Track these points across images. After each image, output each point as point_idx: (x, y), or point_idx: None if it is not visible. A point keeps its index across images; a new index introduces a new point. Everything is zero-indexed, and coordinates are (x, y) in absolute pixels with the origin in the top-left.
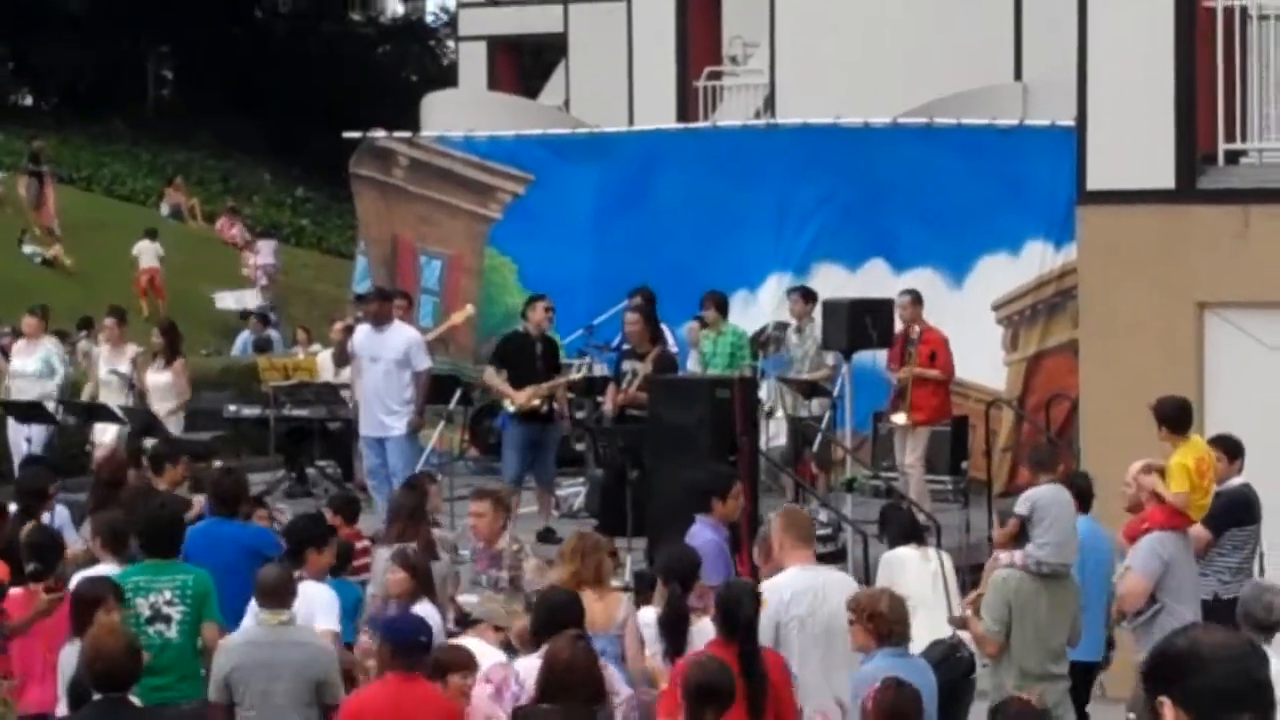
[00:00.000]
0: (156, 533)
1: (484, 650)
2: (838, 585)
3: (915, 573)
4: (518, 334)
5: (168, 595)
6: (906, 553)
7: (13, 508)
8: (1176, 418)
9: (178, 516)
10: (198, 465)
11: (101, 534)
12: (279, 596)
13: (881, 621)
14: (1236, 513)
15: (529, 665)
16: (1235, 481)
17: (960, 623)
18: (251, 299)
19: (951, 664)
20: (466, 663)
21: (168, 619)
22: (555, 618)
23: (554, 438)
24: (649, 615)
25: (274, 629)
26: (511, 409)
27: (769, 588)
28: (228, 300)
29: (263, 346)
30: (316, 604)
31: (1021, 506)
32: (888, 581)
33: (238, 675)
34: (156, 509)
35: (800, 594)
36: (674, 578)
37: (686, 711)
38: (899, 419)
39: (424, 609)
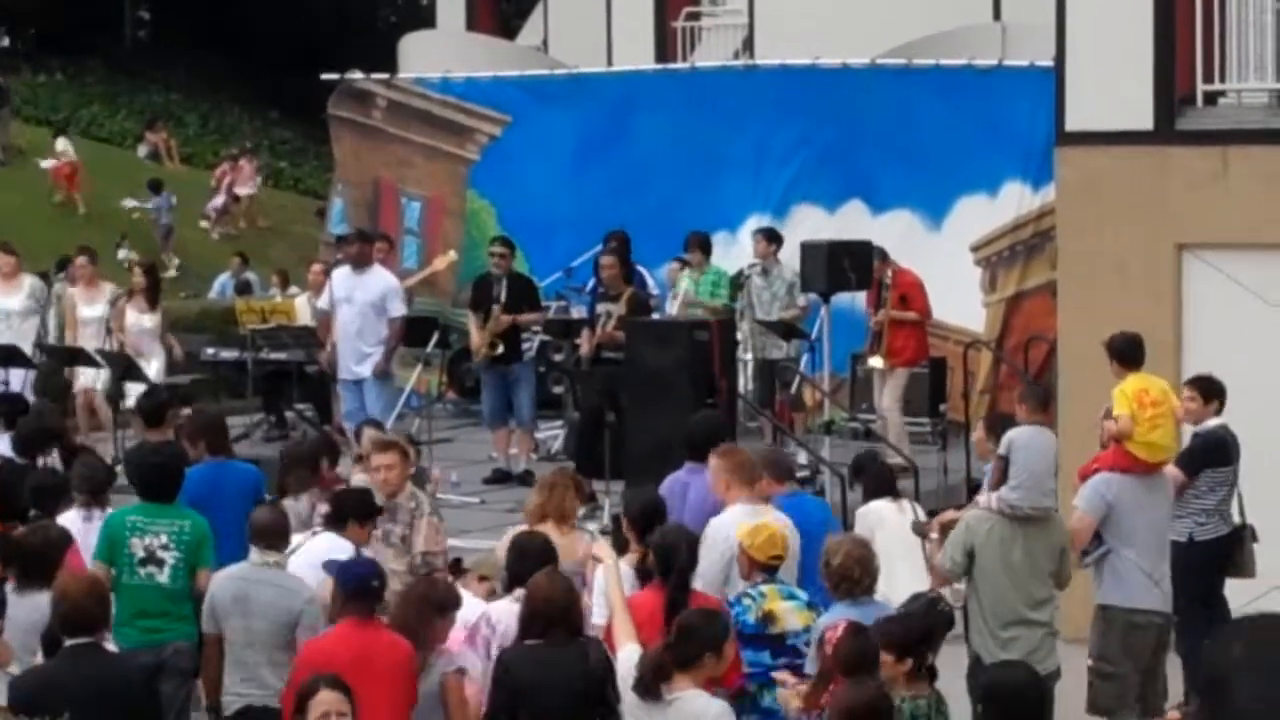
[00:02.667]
0: (154, 478)
1: (468, 601)
2: (779, 522)
3: (893, 526)
4: (484, 276)
5: (163, 539)
6: (883, 506)
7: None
8: (1127, 353)
9: (176, 461)
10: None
11: (76, 478)
12: (270, 537)
13: (831, 573)
14: (1212, 453)
15: (500, 608)
16: (1212, 422)
17: (920, 529)
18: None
19: (930, 617)
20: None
21: (160, 562)
22: (527, 559)
23: (525, 377)
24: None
25: (259, 568)
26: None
27: (717, 525)
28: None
29: (242, 289)
30: (324, 551)
31: (1002, 448)
32: (866, 535)
33: (219, 607)
34: (152, 453)
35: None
36: (640, 523)
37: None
38: (875, 362)
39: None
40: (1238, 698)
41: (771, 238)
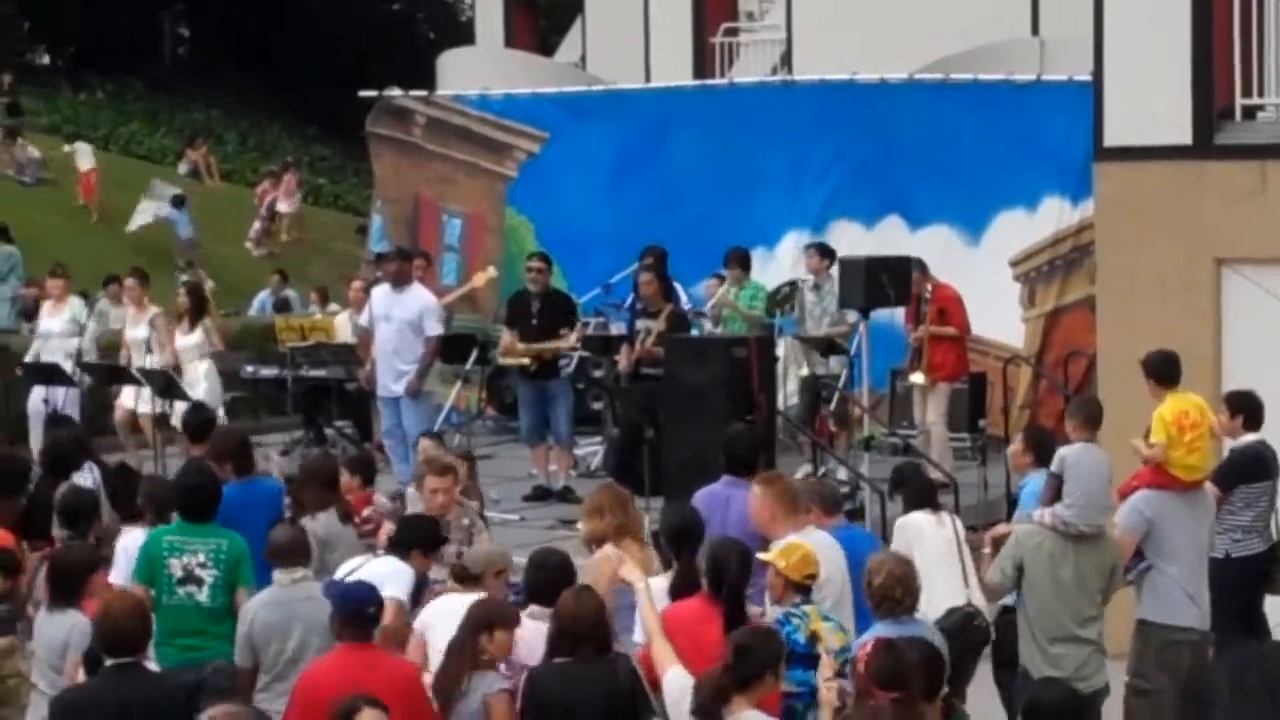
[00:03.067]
0: (193, 498)
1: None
2: (825, 548)
3: (931, 539)
4: (520, 293)
5: (201, 558)
6: (921, 518)
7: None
8: (1163, 371)
9: (214, 481)
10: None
11: (143, 496)
12: (291, 555)
13: (873, 593)
14: (1247, 469)
15: (526, 627)
16: (1249, 438)
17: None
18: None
19: (967, 633)
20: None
21: (199, 581)
22: (555, 579)
23: (561, 393)
24: (658, 584)
25: (289, 588)
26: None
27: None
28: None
29: (281, 307)
30: (390, 573)
31: (1055, 465)
32: (905, 548)
33: (257, 636)
34: (193, 474)
35: None
36: (678, 541)
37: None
38: (917, 378)
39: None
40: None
41: (824, 253)
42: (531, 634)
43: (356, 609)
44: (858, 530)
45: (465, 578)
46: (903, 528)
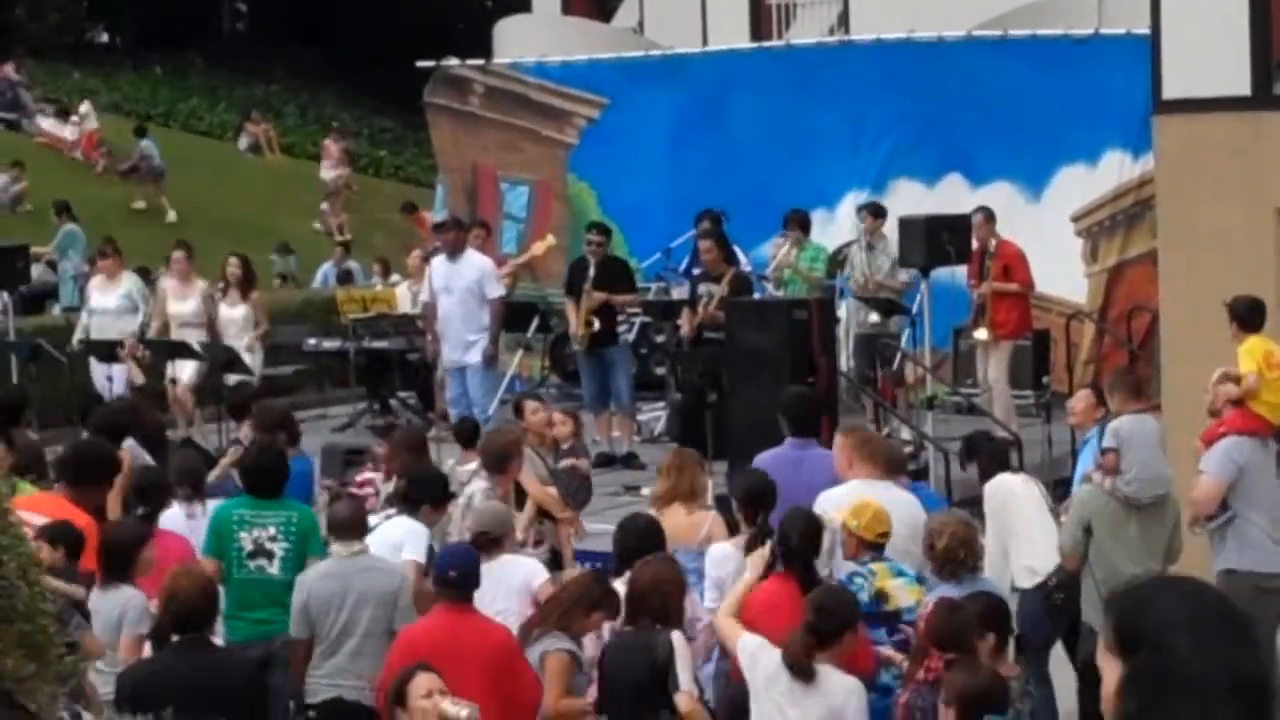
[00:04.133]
0: (260, 472)
1: (515, 562)
2: (900, 503)
3: (1024, 499)
4: (579, 260)
5: (271, 531)
6: (1011, 479)
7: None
8: (1248, 316)
9: (280, 456)
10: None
11: (175, 472)
12: (351, 529)
13: (936, 556)
14: None
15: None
16: None
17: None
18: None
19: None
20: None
21: (270, 554)
22: (640, 543)
23: (621, 360)
24: (725, 550)
25: (346, 560)
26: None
27: (826, 499)
28: None
29: (344, 279)
30: (406, 534)
31: (1109, 439)
32: (1000, 510)
33: (314, 608)
34: (259, 450)
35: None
36: (752, 505)
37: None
38: (980, 334)
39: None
40: (1178, 655)
41: (877, 213)
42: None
43: (462, 571)
44: (921, 488)
45: (485, 543)
46: (994, 491)
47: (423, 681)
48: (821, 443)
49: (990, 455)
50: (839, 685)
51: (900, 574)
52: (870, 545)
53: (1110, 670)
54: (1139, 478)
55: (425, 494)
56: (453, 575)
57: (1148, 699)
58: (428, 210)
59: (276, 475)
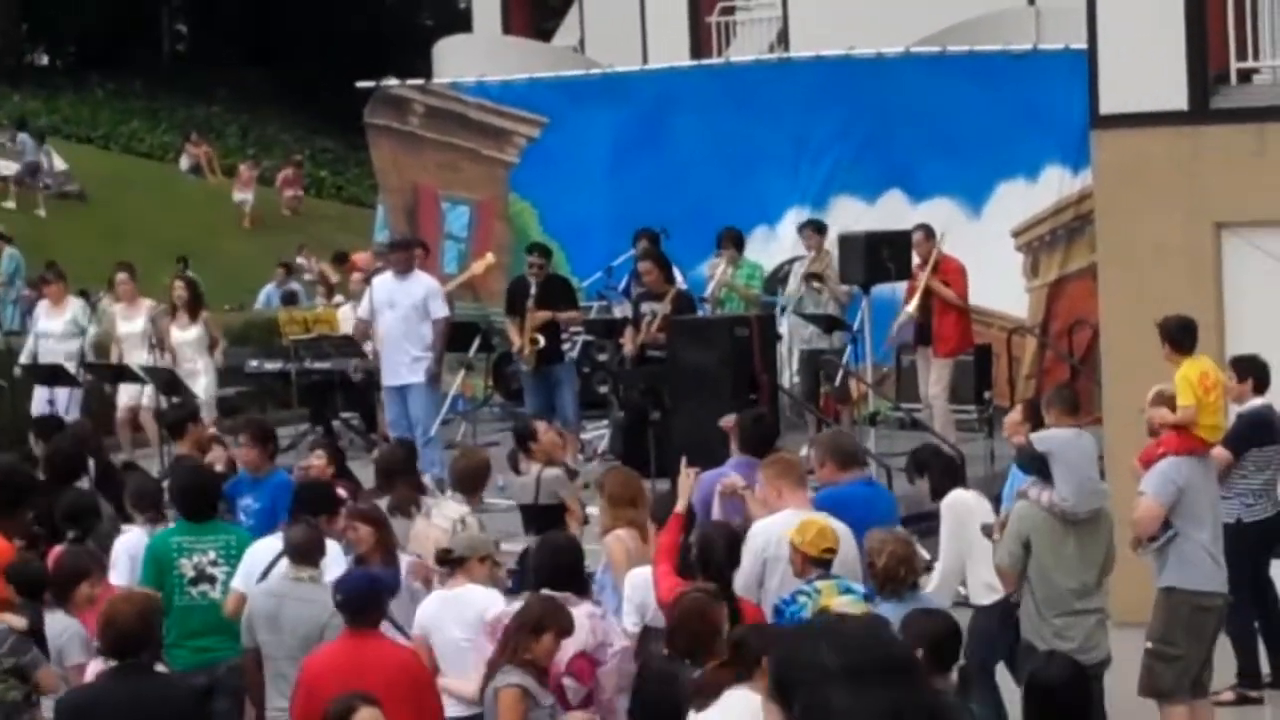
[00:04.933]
0: (192, 495)
1: (473, 593)
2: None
3: (981, 516)
4: (519, 279)
5: (211, 555)
6: (968, 496)
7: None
8: (1179, 337)
9: (212, 478)
10: (225, 421)
11: (131, 496)
12: (301, 554)
13: (877, 574)
14: (1257, 433)
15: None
16: (1256, 402)
17: (987, 531)
18: None
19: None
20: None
21: (212, 579)
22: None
23: (566, 378)
24: (644, 574)
25: (289, 582)
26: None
27: (759, 528)
28: None
29: (289, 299)
30: (331, 559)
31: (1040, 444)
32: (957, 527)
33: (254, 622)
34: (190, 472)
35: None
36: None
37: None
38: (910, 309)
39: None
40: (834, 705)
41: (819, 229)
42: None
43: (359, 597)
44: (877, 486)
45: (448, 561)
46: (951, 507)
47: (364, 715)
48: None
49: (942, 471)
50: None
51: (848, 591)
52: (816, 561)
53: (769, 713)
54: (1075, 493)
55: (314, 506)
56: (339, 599)
57: None
58: (359, 253)
59: (211, 496)
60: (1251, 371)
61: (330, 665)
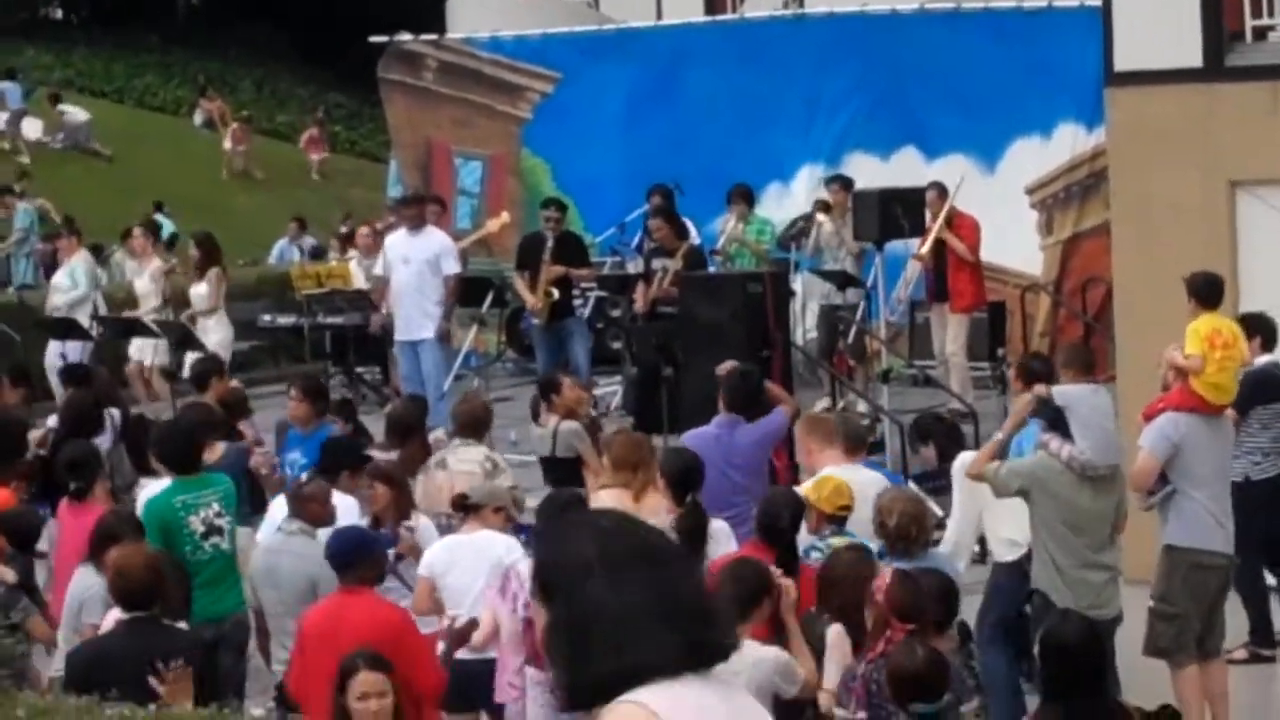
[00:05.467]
0: (175, 450)
1: (492, 538)
2: (869, 482)
3: None
4: (533, 234)
5: (215, 508)
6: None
7: (51, 421)
8: (1205, 293)
9: (192, 429)
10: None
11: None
12: (297, 508)
13: (888, 533)
14: (1261, 390)
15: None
16: (1262, 360)
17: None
18: None
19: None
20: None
21: (220, 530)
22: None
23: (579, 333)
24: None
25: (285, 537)
26: (529, 310)
27: (804, 490)
28: None
29: (316, 255)
30: (340, 510)
31: (1059, 399)
32: (975, 488)
33: (256, 579)
34: (169, 427)
35: None
36: (680, 484)
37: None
38: (922, 250)
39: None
40: (594, 595)
41: (846, 185)
42: None
43: (345, 554)
44: (879, 468)
45: (464, 507)
46: (964, 467)
47: (360, 682)
48: (752, 419)
49: (947, 436)
50: (758, 655)
51: (858, 548)
52: (831, 518)
53: (539, 618)
54: (1094, 447)
55: (343, 460)
56: (327, 553)
57: (573, 644)
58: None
59: (193, 447)
60: (1260, 329)
61: (316, 621)
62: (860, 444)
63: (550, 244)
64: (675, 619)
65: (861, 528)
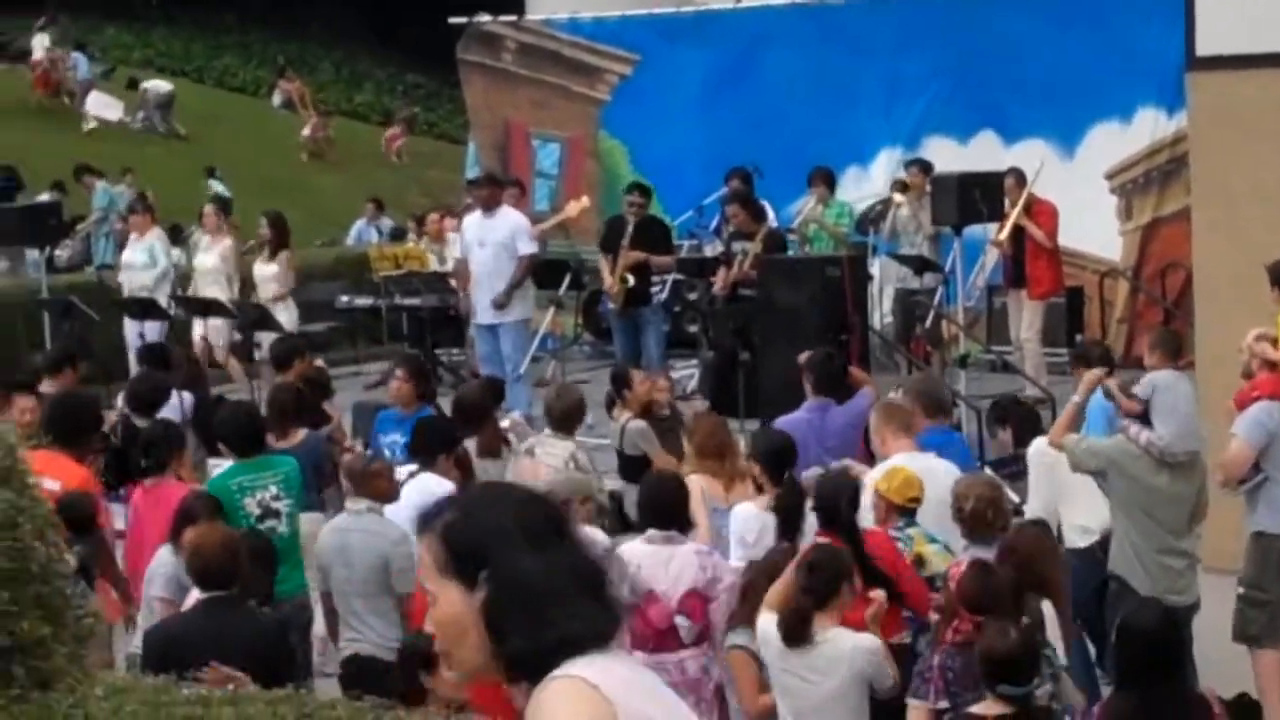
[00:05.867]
0: (239, 433)
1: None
2: (939, 473)
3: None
4: (617, 216)
5: (273, 490)
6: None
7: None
8: None
9: (254, 412)
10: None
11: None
12: (360, 486)
13: (965, 518)
14: None
15: (633, 549)
16: None
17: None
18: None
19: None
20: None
21: (277, 514)
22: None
23: (653, 321)
24: (749, 509)
25: (351, 516)
26: (606, 293)
27: (872, 476)
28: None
29: (396, 236)
30: (423, 497)
31: (1142, 389)
32: (1048, 473)
33: (323, 559)
34: (232, 409)
35: None
36: (773, 464)
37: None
38: (1000, 237)
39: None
40: (525, 565)
41: (926, 169)
42: (645, 558)
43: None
44: (956, 437)
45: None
46: (1038, 455)
47: None
48: (841, 402)
49: (1024, 420)
50: (851, 644)
51: (932, 540)
52: (900, 510)
53: (446, 594)
54: (1174, 432)
55: (437, 441)
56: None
57: (505, 617)
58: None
59: (257, 430)
60: None
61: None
62: (941, 409)
63: (630, 230)
64: (593, 591)
65: (929, 519)
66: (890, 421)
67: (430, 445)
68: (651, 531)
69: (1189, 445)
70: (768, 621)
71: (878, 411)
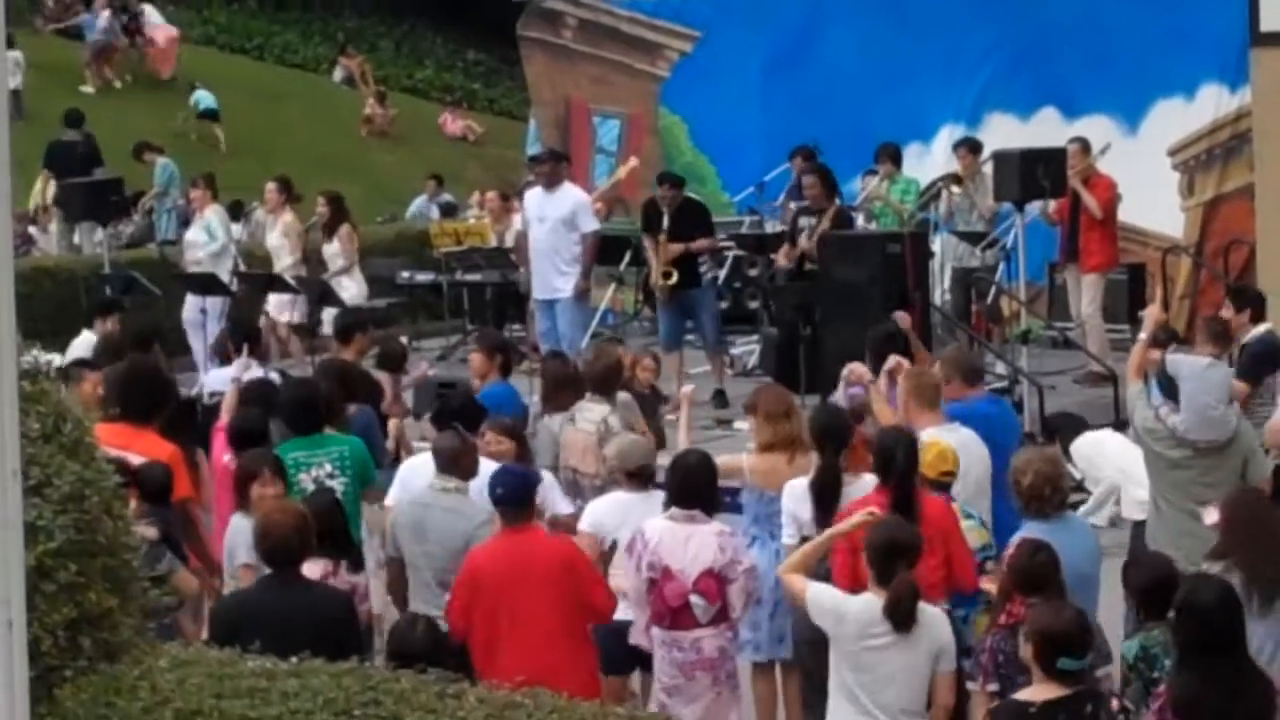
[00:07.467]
0: (298, 410)
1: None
2: (971, 446)
3: (1112, 441)
4: (649, 201)
5: (328, 468)
6: (1093, 434)
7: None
8: None
9: (316, 391)
10: (376, 333)
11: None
12: (450, 464)
13: (1021, 492)
14: (1263, 361)
15: (656, 525)
16: (1258, 330)
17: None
18: None
19: None
20: None
21: (331, 491)
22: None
23: (705, 301)
24: (802, 485)
25: (436, 493)
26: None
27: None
28: None
29: (448, 211)
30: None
31: (1170, 367)
32: (1098, 459)
33: (399, 532)
34: (296, 386)
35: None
36: (824, 438)
37: (875, 570)
38: (1051, 207)
39: None
40: None
41: (974, 148)
42: (664, 534)
43: (512, 495)
44: (1001, 402)
45: (634, 475)
46: (1080, 448)
47: None
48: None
49: (1074, 430)
50: (933, 618)
51: (967, 516)
52: (934, 484)
53: None
54: (1187, 420)
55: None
56: (499, 493)
57: None
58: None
59: (313, 409)
60: (1249, 302)
61: (493, 559)
62: (978, 376)
63: (666, 221)
64: None
65: (963, 494)
66: (919, 395)
67: (455, 418)
68: (675, 509)
69: (1206, 435)
70: (834, 598)
71: (907, 383)
